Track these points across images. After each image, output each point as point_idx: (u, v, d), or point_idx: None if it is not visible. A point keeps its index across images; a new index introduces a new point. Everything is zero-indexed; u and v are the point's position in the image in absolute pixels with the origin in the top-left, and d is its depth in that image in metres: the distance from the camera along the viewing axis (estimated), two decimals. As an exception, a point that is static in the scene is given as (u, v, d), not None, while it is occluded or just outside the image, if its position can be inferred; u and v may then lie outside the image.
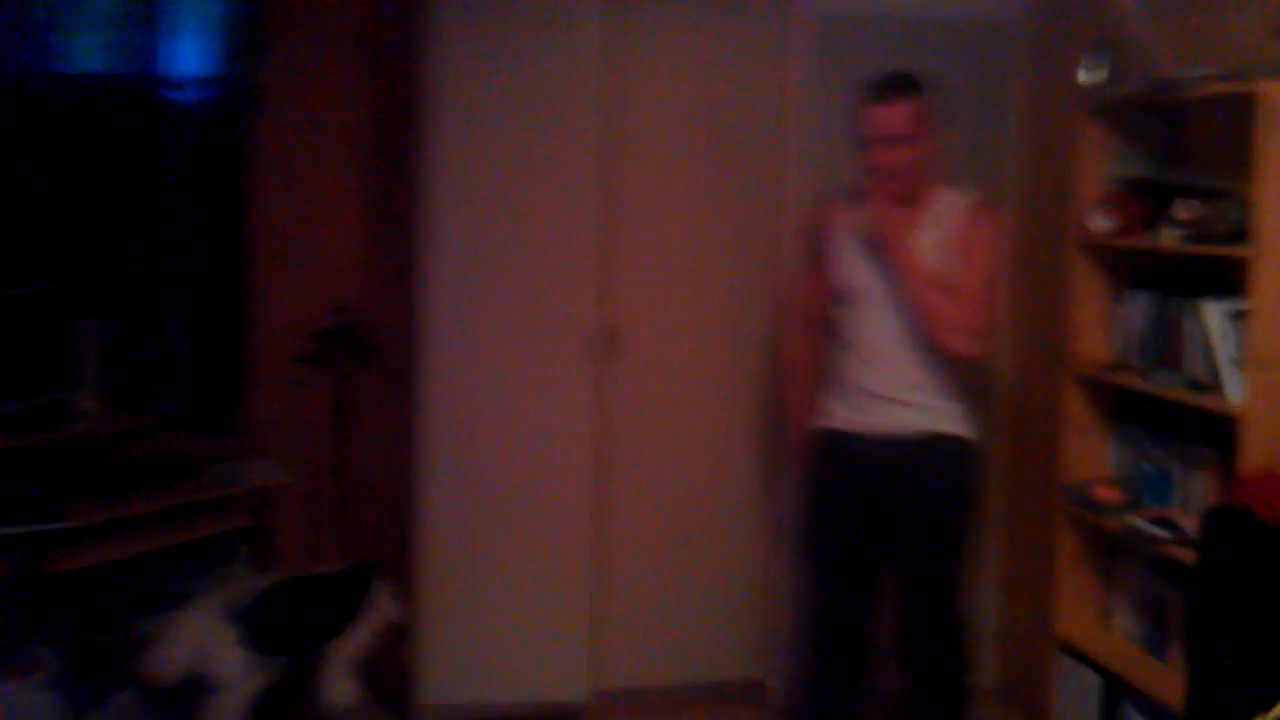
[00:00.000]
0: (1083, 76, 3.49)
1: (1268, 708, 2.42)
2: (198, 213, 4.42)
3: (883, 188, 3.29)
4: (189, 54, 4.32)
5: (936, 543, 3.38)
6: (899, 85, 3.26)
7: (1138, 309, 3.46)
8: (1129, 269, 3.53)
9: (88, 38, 4.22)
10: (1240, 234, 2.98)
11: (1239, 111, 2.99)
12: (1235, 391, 3.03)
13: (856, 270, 3.39)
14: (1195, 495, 3.30)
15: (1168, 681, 3.24)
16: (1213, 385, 3.13)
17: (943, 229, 3.31)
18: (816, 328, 3.61)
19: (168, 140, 4.34)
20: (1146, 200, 3.40)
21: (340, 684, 3.33)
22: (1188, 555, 3.07)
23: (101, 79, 4.23)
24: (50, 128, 4.19)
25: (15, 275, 4.12)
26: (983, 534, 4.24)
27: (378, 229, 4.50)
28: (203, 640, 3.24)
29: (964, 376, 3.40)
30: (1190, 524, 3.17)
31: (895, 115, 3.23)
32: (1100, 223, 3.45)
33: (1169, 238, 3.21)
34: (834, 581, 3.54)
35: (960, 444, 3.38)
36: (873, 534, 3.46)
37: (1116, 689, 3.51)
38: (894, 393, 3.36)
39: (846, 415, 3.45)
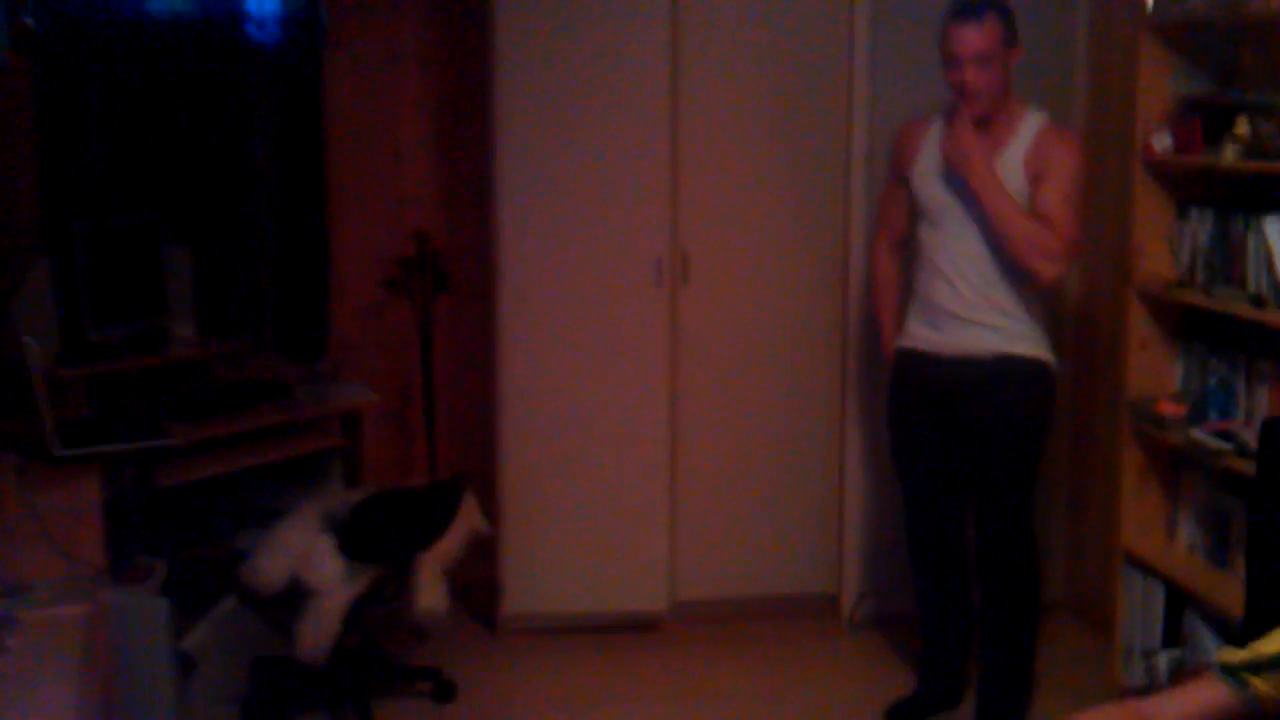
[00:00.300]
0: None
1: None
2: (280, 145, 4.57)
3: (967, 106, 3.35)
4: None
5: (1009, 463, 3.46)
6: (973, 6, 3.32)
7: (1201, 225, 3.50)
8: (1192, 186, 3.57)
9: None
10: (1302, 150, 3.03)
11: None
12: (1294, 304, 3.10)
13: (938, 188, 3.46)
14: (1257, 408, 3.36)
15: (1230, 591, 3.32)
16: (1273, 299, 3.18)
17: (1023, 150, 3.37)
18: (902, 245, 3.71)
19: (249, 76, 4.48)
20: (1208, 118, 3.43)
21: (431, 591, 3.51)
22: (1249, 467, 3.15)
23: (184, 17, 4.37)
24: (137, 65, 4.34)
25: (112, 207, 4.31)
26: (1053, 454, 4.34)
27: (452, 158, 4.63)
28: (303, 548, 3.42)
29: (1041, 297, 3.47)
30: (1252, 436, 3.24)
31: (976, 33, 3.29)
32: (1163, 140, 3.49)
33: (1230, 154, 3.25)
34: (922, 498, 3.68)
35: (1035, 366, 3.45)
36: (953, 450, 3.56)
37: (1180, 599, 3.60)
38: (972, 312, 3.44)
39: (926, 334, 3.54)
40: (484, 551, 4.06)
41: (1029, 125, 3.40)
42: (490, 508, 4.05)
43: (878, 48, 4.12)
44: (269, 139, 4.53)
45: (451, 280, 4.50)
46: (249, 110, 4.48)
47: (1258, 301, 3.22)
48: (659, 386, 4.20)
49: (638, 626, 4.28)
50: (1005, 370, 3.44)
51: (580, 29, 4.05)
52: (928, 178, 3.49)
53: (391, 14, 4.54)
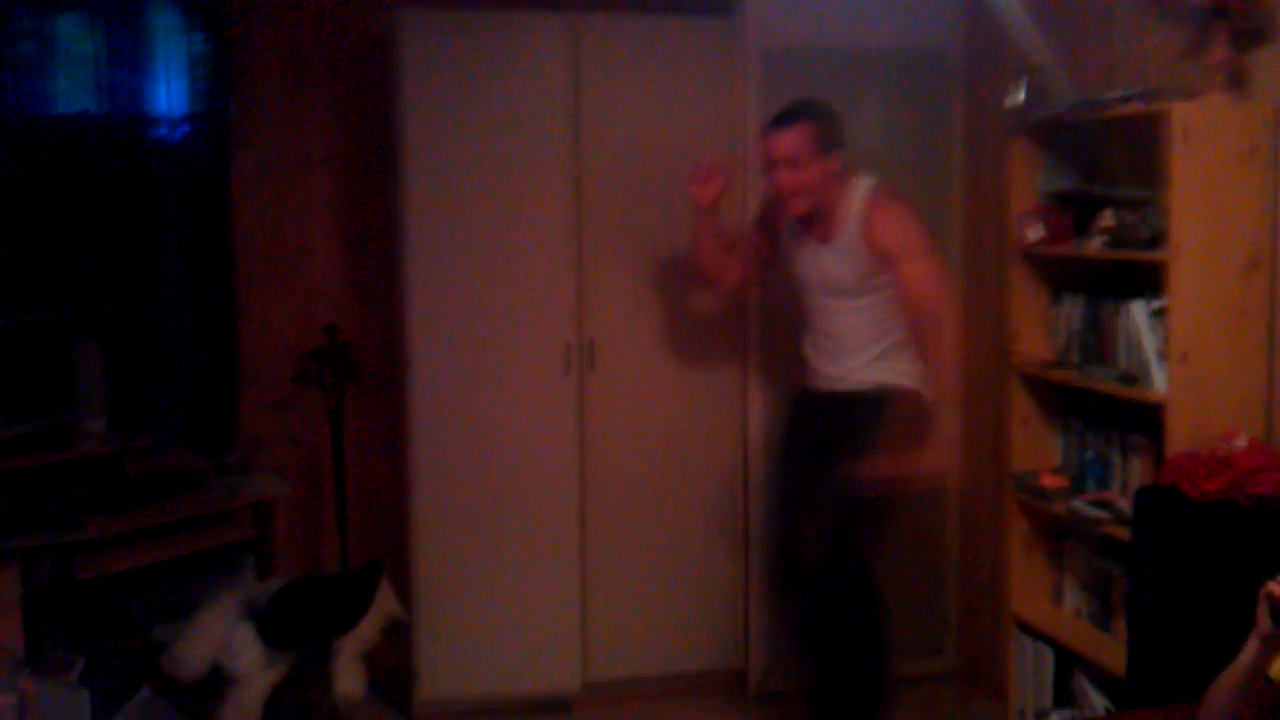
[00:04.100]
0: (1008, 101, 3.80)
1: (1201, 669, 2.64)
2: (188, 242, 4.62)
3: (784, 206, 3.63)
4: (173, 93, 4.54)
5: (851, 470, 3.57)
6: (785, 114, 3.58)
7: (1072, 310, 3.76)
8: (1063, 274, 3.83)
9: (75, 79, 4.43)
10: (1160, 239, 3.29)
11: (1153, 129, 3.30)
12: (1160, 382, 3.34)
13: (805, 268, 3.72)
14: (1132, 478, 3.59)
15: (1114, 651, 3.51)
16: (1141, 377, 3.43)
17: (857, 227, 3.56)
18: (734, 258, 3.94)
19: (156, 174, 4.54)
20: (1075, 211, 3.70)
21: (349, 676, 3.57)
22: (1125, 533, 3.37)
23: (92, 118, 4.44)
24: (46, 165, 4.39)
25: (19, 304, 4.33)
26: (942, 527, 4.54)
27: (360, 252, 4.73)
28: (223, 636, 3.47)
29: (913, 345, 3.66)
30: (1127, 504, 3.46)
31: (780, 141, 3.55)
32: (1034, 233, 3.75)
33: (1095, 245, 3.52)
34: (785, 511, 3.83)
35: (909, 394, 3.60)
36: (817, 464, 3.68)
37: (1068, 661, 3.79)
38: (849, 374, 3.67)
39: (815, 380, 3.78)
40: (399, 637, 4.12)
41: (856, 199, 3.57)
42: (403, 594, 4.12)
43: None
44: (178, 236, 4.59)
45: (361, 371, 4.60)
46: (158, 207, 4.55)
47: (1128, 380, 3.47)
48: (568, 471, 4.32)
49: (551, 707, 4.35)
50: (881, 393, 3.62)
51: (486, 127, 4.19)
52: (794, 264, 3.77)
53: (299, 114, 4.66)
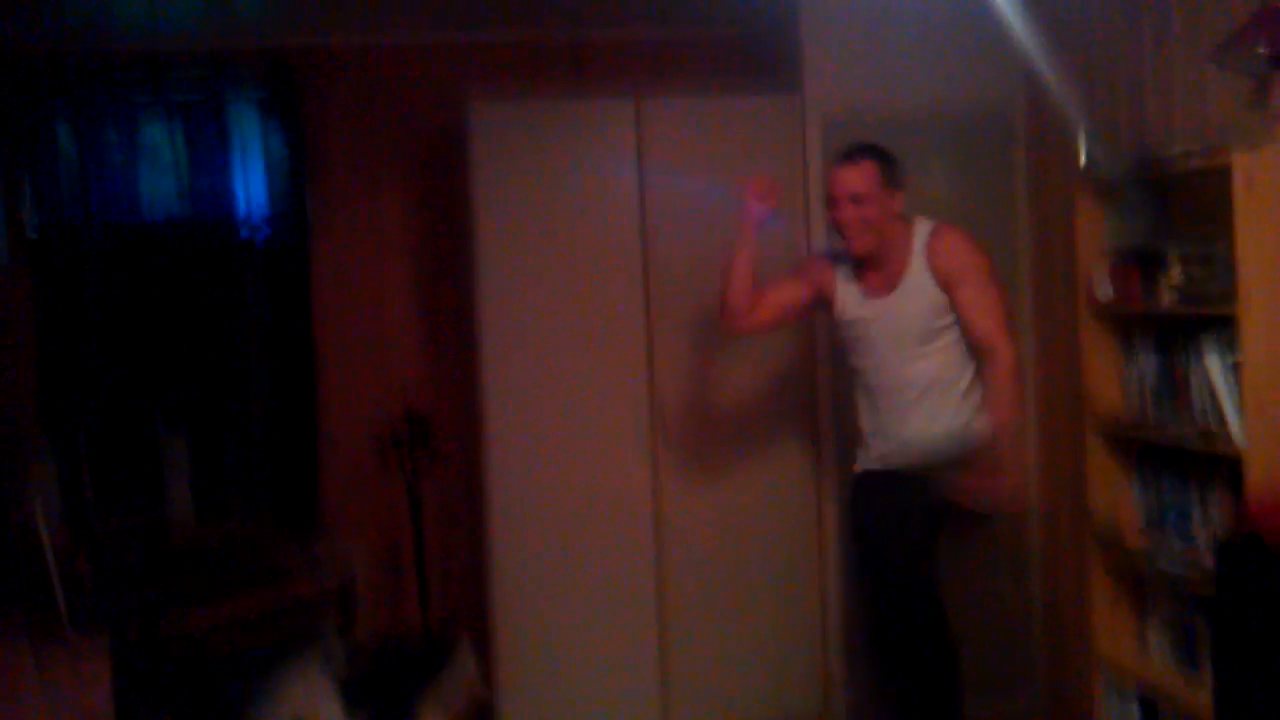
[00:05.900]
0: (1082, 159, 3.82)
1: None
2: (270, 334, 4.75)
3: (849, 243, 3.65)
4: (253, 193, 4.69)
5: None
6: (857, 149, 3.66)
7: (1146, 365, 3.74)
8: (1135, 329, 3.83)
9: (160, 186, 4.58)
10: (1231, 293, 3.27)
11: (1219, 180, 3.30)
12: (1239, 434, 3.32)
13: (870, 326, 3.71)
14: (1213, 529, 3.56)
15: (1201, 699, 3.47)
16: (1219, 428, 3.40)
17: (923, 261, 3.63)
18: (757, 306, 3.80)
19: (238, 272, 4.70)
20: (1142, 266, 3.70)
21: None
22: (1209, 586, 3.33)
23: (175, 223, 4.61)
24: (133, 267, 4.55)
25: (111, 402, 4.47)
26: (1025, 572, 4.52)
27: (438, 335, 4.84)
28: (306, 696, 3.52)
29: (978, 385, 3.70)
30: (1209, 560, 3.43)
31: (851, 175, 3.61)
32: (1104, 290, 3.75)
33: (1168, 298, 3.52)
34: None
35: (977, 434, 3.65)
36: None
37: (1154, 708, 3.75)
38: (926, 429, 3.67)
39: (886, 458, 3.76)
40: (481, 700, 4.16)
41: (919, 237, 3.65)
42: (483, 657, 4.21)
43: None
44: (260, 328, 4.72)
45: (439, 447, 4.68)
46: (240, 302, 4.69)
47: (1206, 437, 3.43)
48: (644, 535, 4.38)
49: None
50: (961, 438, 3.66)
51: (554, 213, 4.31)
52: (857, 324, 3.75)
53: (375, 206, 4.80)
